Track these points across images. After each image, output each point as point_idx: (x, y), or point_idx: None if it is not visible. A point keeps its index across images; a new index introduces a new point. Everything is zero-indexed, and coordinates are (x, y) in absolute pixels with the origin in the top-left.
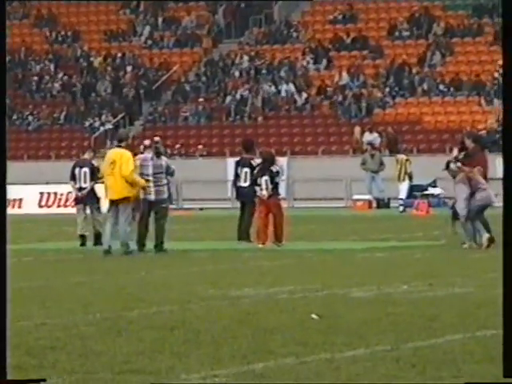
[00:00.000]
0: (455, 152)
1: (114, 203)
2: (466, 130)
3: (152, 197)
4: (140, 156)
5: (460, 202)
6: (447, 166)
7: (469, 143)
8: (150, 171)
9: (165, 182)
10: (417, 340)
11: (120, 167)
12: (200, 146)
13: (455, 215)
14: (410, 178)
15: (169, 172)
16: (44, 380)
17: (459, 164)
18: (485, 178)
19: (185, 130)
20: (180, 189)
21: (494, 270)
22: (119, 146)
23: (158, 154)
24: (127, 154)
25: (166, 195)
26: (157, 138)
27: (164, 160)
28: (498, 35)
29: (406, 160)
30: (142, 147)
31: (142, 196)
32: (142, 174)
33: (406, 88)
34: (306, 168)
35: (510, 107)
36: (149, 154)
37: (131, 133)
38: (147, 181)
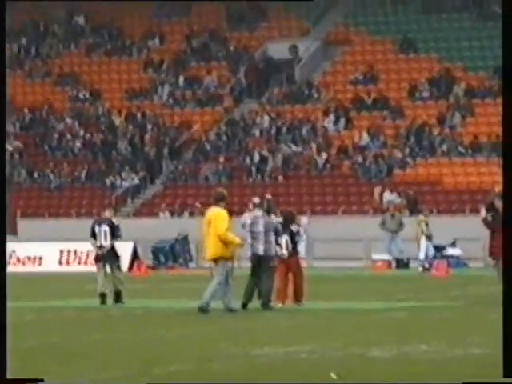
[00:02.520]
0: (483, 212)
1: (212, 262)
2: (494, 192)
3: (261, 252)
4: (251, 214)
5: None
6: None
7: (499, 204)
8: (261, 229)
9: (273, 239)
10: None
11: (215, 227)
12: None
13: None
14: (429, 238)
15: (276, 230)
16: (42, 380)
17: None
18: None
19: (205, 188)
20: (200, 248)
21: None
22: (216, 206)
23: (268, 212)
24: (222, 213)
25: (273, 253)
26: (268, 196)
27: (274, 218)
28: None
29: (422, 221)
30: (251, 205)
31: (249, 253)
32: (252, 232)
33: (426, 148)
34: (325, 227)
35: (510, 114)
36: (259, 212)
37: (152, 191)
38: (255, 239)
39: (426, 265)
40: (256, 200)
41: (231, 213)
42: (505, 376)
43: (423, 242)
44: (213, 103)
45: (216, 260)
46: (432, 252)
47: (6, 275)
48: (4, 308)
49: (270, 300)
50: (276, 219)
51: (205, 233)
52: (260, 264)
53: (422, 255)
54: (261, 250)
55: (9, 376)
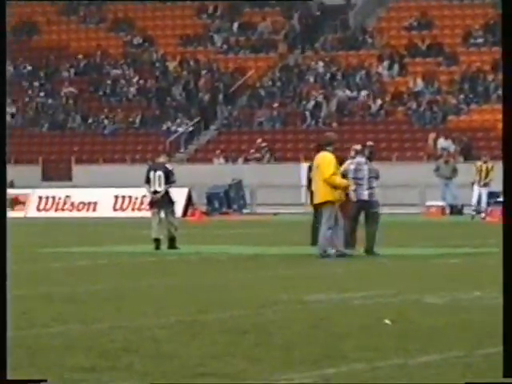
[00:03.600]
0: None
1: (317, 208)
2: None
3: (366, 197)
4: (354, 160)
5: None
6: None
7: None
8: (366, 175)
9: (376, 185)
10: (489, 346)
11: (321, 171)
12: (252, 150)
13: None
14: (485, 185)
15: (377, 176)
16: (45, 380)
17: None
18: None
19: (259, 134)
20: (254, 194)
21: None
22: (325, 150)
23: (371, 159)
24: (328, 157)
25: (377, 199)
26: (370, 143)
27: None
28: None
29: (492, 167)
30: (352, 152)
31: (353, 198)
32: (356, 178)
33: (481, 95)
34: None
35: (510, 108)
36: (362, 159)
37: (206, 137)
38: (359, 185)
39: (479, 211)
40: (357, 147)
41: (341, 159)
42: (505, 376)
43: (476, 187)
44: (267, 49)
45: (323, 204)
46: (485, 199)
47: (6, 275)
48: (4, 308)
49: (374, 246)
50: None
51: (313, 178)
52: (364, 209)
53: (473, 200)
54: (365, 195)
55: (9, 377)
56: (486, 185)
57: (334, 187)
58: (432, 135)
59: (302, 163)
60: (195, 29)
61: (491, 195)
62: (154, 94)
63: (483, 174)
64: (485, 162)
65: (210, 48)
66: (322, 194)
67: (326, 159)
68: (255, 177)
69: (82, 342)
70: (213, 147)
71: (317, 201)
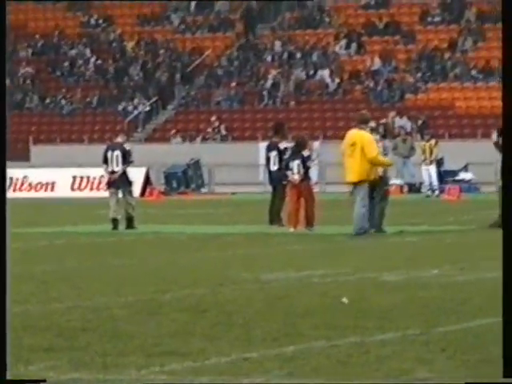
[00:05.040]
0: (494, 136)
1: (353, 185)
2: None
3: (380, 173)
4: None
5: None
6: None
7: None
8: (381, 152)
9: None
10: (447, 324)
11: (362, 149)
12: (209, 130)
13: None
14: (438, 163)
15: (387, 154)
16: (44, 381)
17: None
18: None
19: (217, 114)
20: (212, 173)
21: None
22: (360, 128)
23: (385, 136)
24: (369, 135)
25: (388, 175)
26: (384, 120)
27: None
28: None
29: (436, 144)
30: (368, 129)
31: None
32: None
33: (438, 73)
34: (337, 152)
35: (510, 111)
36: (376, 136)
37: (164, 117)
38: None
39: (433, 189)
40: (372, 124)
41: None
42: (505, 376)
43: (423, 167)
44: (224, 29)
45: (358, 183)
46: (434, 176)
47: (6, 272)
48: (4, 308)
49: (382, 223)
50: (288, 144)
51: (346, 154)
52: (377, 186)
53: (425, 179)
54: (380, 172)
55: (9, 377)
56: (431, 162)
57: (374, 166)
58: (392, 114)
59: (259, 142)
60: (153, 8)
61: (447, 174)
62: (111, 73)
63: (427, 153)
64: (427, 141)
65: (167, 28)
66: (360, 172)
67: (366, 138)
68: (213, 156)
69: (40, 321)
70: (170, 127)
71: (353, 179)
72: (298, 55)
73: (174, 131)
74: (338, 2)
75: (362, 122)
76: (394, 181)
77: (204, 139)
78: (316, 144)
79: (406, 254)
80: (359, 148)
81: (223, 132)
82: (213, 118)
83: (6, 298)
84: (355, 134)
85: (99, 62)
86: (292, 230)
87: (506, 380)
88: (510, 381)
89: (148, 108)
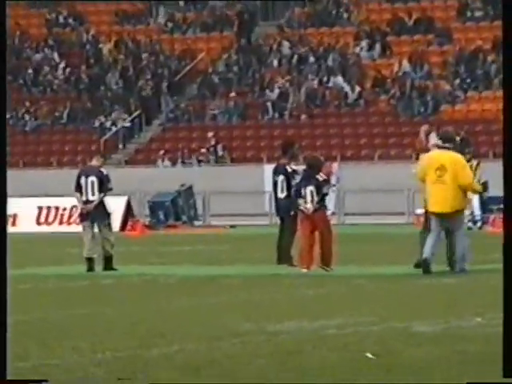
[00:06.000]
0: None
1: (441, 217)
2: None
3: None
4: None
5: None
6: None
7: None
8: None
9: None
10: (489, 380)
11: (455, 174)
12: (203, 150)
13: None
14: (484, 189)
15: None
16: (46, 381)
17: None
18: None
19: (213, 130)
20: (207, 202)
21: None
22: (445, 148)
23: (462, 153)
24: (461, 158)
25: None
26: (462, 134)
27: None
28: None
29: (478, 165)
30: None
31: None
32: None
33: (480, 80)
34: (359, 176)
35: (510, 112)
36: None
37: (149, 134)
38: None
39: (475, 220)
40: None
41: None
42: (505, 376)
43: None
44: (221, 27)
45: (456, 213)
46: (476, 204)
47: (7, 273)
48: (4, 308)
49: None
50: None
51: (430, 180)
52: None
53: (474, 208)
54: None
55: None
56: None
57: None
58: (424, 127)
59: (264, 164)
60: (133, 3)
61: (492, 201)
62: (84, 82)
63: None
64: (468, 162)
65: (151, 26)
66: (457, 200)
67: (459, 161)
68: (208, 182)
69: None
70: (157, 146)
71: (447, 209)
72: (311, 59)
73: (161, 152)
74: None
75: (447, 141)
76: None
77: (197, 161)
78: (334, 166)
79: (441, 299)
80: (451, 173)
81: (220, 152)
82: (208, 136)
83: (7, 299)
84: (443, 156)
85: (69, 68)
86: (304, 270)
87: (506, 380)
88: (509, 381)
89: (129, 124)
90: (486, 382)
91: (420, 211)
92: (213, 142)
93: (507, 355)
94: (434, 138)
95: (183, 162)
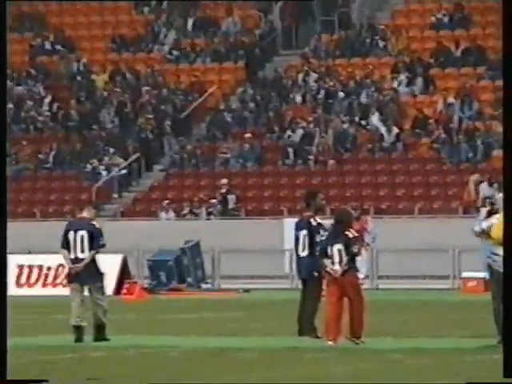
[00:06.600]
0: None
1: None
2: None
3: None
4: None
5: None
6: None
7: None
8: None
9: None
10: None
11: None
12: (214, 200)
13: None
14: None
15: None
16: (46, 381)
17: None
18: None
19: (225, 177)
20: (217, 261)
21: None
22: None
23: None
24: None
25: None
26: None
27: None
28: None
29: None
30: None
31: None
32: None
33: None
34: (396, 233)
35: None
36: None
37: (149, 181)
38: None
39: None
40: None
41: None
42: (505, 376)
43: None
44: (235, 56)
45: None
46: None
47: (6, 275)
48: (4, 308)
49: None
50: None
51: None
52: None
53: None
54: None
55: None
56: None
57: None
58: (474, 177)
59: (284, 218)
60: (133, 27)
61: None
62: (74, 120)
63: None
64: None
65: (154, 54)
66: None
67: None
68: (219, 237)
69: None
70: (158, 195)
71: None
72: (340, 94)
73: (163, 202)
74: (397, 19)
75: None
76: (477, 273)
77: (206, 213)
78: (368, 221)
79: (496, 378)
80: None
81: (232, 204)
82: (222, 182)
83: (6, 300)
84: None
85: (57, 103)
86: (331, 343)
87: (506, 380)
88: (509, 381)
89: (126, 169)
90: (486, 382)
91: (468, 274)
92: (224, 191)
93: (507, 355)
94: (485, 189)
95: (190, 214)
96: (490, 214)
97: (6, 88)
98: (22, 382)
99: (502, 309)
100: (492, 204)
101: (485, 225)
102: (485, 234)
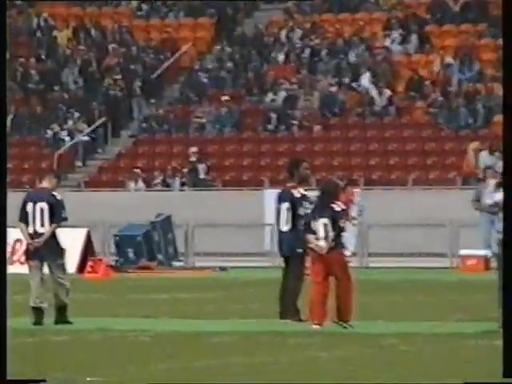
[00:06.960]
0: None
1: None
2: None
3: None
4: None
5: None
6: None
7: None
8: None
9: None
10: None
11: None
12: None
13: None
14: None
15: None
16: (44, 381)
17: None
18: None
19: (199, 144)
20: (190, 236)
21: None
22: None
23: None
24: None
25: None
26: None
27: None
28: None
29: None
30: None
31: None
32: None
33: None
34: (388, 206)
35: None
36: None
37: (117, 148)
38: None
39: None
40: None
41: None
42: (505, 376)
43: None
44: (211, 11)
45: None
46: None
47: (6, 275)
48: (4, 309)
49: None
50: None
51: None
52: None
53: None
54: None
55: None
56: None
57: None
58: (474, 145)
59: (265, 189)
60: None
61: None
62: (34, 81)
63: None
64: None
65: (121, 8)
66: None
67: None
68: (192, 211)
69: None
70: (126, 164)
71: None
72: (327, 53)
73: (132, 171)
74: None
75: None
76: (475, 251)
77: (180, 184)
78: (356, 193)
79: (495, 364)
80: None
81: (204, 173)
82: (192, 151)
83: (6, 300)
84: None
85: (15, 62)
86: (316, 326)
87: (506, 380)
88: (509, 381)
89: (91, 135)
90: (486, 382)
91: (466, 251)
92: (198, 159)
93: (507, 355)
94: (485, 158)
95: (161, 185)
96: (500, 185)
97: (6, 86)
98: (22, 381)
99: (503, 309)
100: (496, 172)
101: (498, 197)
102: (499, 206)
